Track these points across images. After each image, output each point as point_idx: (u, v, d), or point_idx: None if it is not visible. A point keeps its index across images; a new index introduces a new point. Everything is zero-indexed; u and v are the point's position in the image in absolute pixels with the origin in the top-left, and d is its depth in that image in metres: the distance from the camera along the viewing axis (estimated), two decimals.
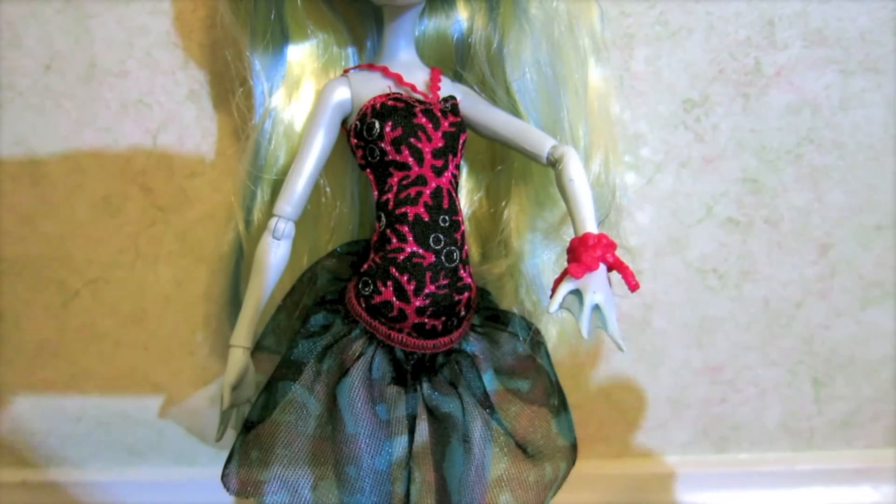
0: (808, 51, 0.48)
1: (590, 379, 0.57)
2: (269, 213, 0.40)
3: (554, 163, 0.38)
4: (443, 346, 0.39)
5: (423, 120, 0.38)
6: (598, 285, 0.33)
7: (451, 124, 0.39)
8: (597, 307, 0.32)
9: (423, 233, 0.37)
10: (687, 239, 0.54)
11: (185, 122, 0.48)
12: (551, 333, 0.46)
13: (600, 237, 0.35)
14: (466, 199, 0.46)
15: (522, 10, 0.39)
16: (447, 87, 0.41)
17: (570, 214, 0.37)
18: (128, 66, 0.47)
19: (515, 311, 0.44)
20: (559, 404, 0.42)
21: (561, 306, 0.32)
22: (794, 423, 0.61)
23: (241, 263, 0.46)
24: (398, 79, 0.39)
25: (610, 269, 0.35)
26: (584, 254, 0.34)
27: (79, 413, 0.57)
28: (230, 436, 0.40)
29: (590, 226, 0.36)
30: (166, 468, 0.60)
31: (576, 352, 0.47)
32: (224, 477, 0.37)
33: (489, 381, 0.41)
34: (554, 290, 0.33)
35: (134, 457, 0.59)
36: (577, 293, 0.33)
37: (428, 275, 0.37)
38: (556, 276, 0.35)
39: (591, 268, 0.33)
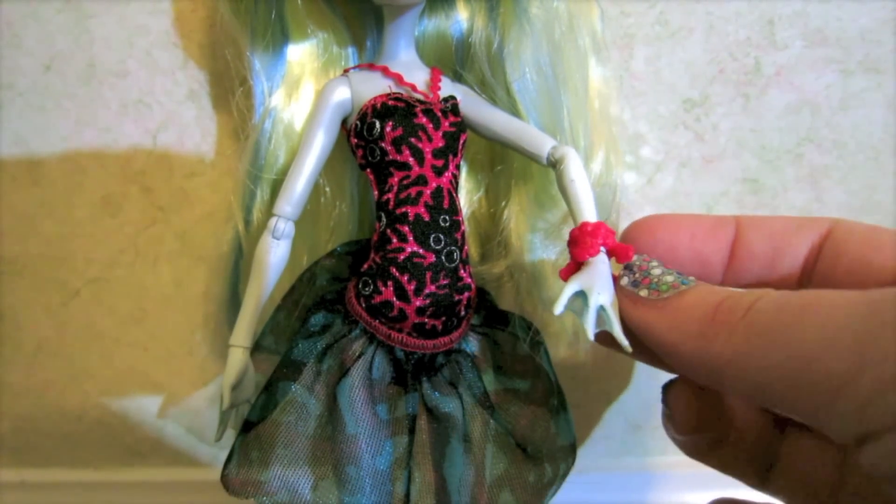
0: (808, 51, 0.48)
1: (590, 379, 0.57)
2: (268, 212, 0.40)
3: (554, 163, 0.38)
4: (443, 346, 0.39)
5: (424, 120, 0.38)
6: (602, 286, 0.33)
7: (452, 124, 0.39)
8: (601, 308, 0.32)
9: (423, 233, 0.37)
10: None
11: (185, 122, 0.48)
12: (551, 333, 0.46)
13: (598, 224, 0.35)
14: (466, 199, 0.46)
15: (523, 10, 0.39)
16: (447, 87, 0.41)
17: (571, 213, 0.37)
18: (128, 66, 0.47)
19: (515, 311, 0.44)
20: (559, 404, 0.42)
21: (565, 308, 0.32)
22: None
23: (240, 263, 0.46)
24: (398, 78, 0.39)
25: (610, 254, 0.35)
26: (582, 240, 0.34)
27: (79, 413, 0.57)
28: (230, 436, 0.40)
29: (589, 217, 0.36)
30: (166, 468, 0.60)
31: (576, 352, 0.47)
32: (224, 477, 0.36)
33: (489, 381, 0.41)
34: (563, 273, 0.34)
35: (134, 457, 0.59)
36: (581, 294, 0.33)
37: (428, 275, 0.37)
38: (558, 274, 0.35)
39: (591, 252, 0.34)
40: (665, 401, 0.36)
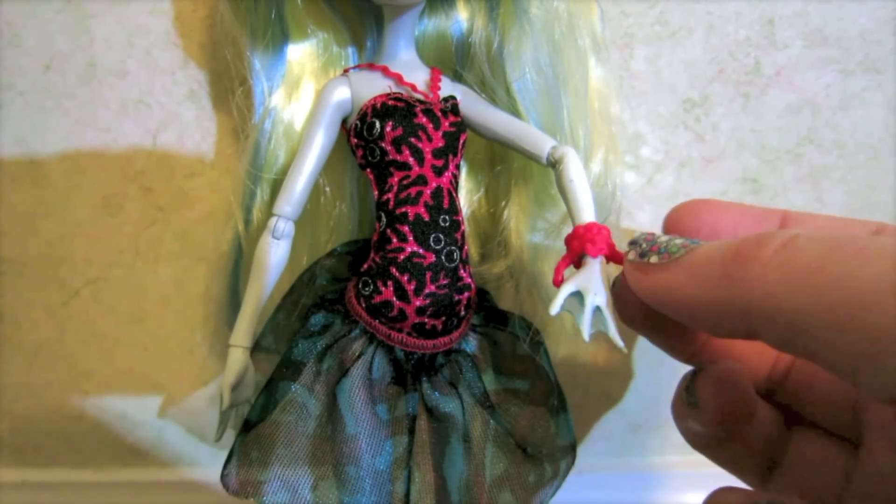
0: (808, 51, 0.48)
1: (590, 379, 0.57)
2: (268, 212, 0.40)
3: (554, 163, 0.38)
4: (443, 345, 0.39)
5: (424, 120, 0.38)
6: (598, 287, 0.33)
7: (452, 124, 0.39)
8: (597, 309, 0.32)
9: (423, 233, 0.37)
10: None
11: (185, 122, 0.48)
12: (551, 333, 0.46)
13: (588, 227, 0.35)
14: (466, 199, 0.46)
15: (523, 11, 0.39)
16: (447, 87, 0.41)
17: (570, 214, 0.37)
18: (128, 66, 0.47)
19: (515, 311, 0.44)
20: (558, 404, 0.42)
21: (562, 308, 0.32)
22: None
23: (240, 263, 0.46)
24: (398, 78, 0.39)
25: (589, 243, 0.35)
26: (571, 242, 0.35)
27: (79, 413, 0.57)
28: (230, 436, 0.40)
29: (586, 219, 0.36)
30: (166, 468, 0.60)
31: (576, 352, 0.47)
32: (224, 477, 0.36)
33: (489, 381, 0.41)
34: (557, 277, 0.34)
35: (134, 457, 0.59)
36: (577, 295, 0.33)
37: (428, 275, 0.37)
38: (559, 277, 0.35)
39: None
40: (690, 388, 0.34)
